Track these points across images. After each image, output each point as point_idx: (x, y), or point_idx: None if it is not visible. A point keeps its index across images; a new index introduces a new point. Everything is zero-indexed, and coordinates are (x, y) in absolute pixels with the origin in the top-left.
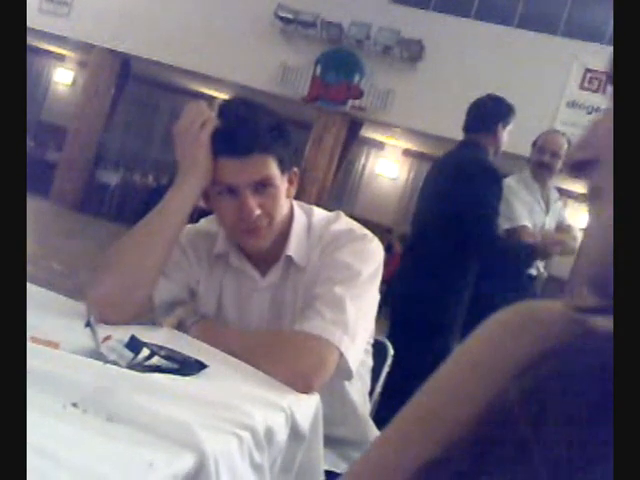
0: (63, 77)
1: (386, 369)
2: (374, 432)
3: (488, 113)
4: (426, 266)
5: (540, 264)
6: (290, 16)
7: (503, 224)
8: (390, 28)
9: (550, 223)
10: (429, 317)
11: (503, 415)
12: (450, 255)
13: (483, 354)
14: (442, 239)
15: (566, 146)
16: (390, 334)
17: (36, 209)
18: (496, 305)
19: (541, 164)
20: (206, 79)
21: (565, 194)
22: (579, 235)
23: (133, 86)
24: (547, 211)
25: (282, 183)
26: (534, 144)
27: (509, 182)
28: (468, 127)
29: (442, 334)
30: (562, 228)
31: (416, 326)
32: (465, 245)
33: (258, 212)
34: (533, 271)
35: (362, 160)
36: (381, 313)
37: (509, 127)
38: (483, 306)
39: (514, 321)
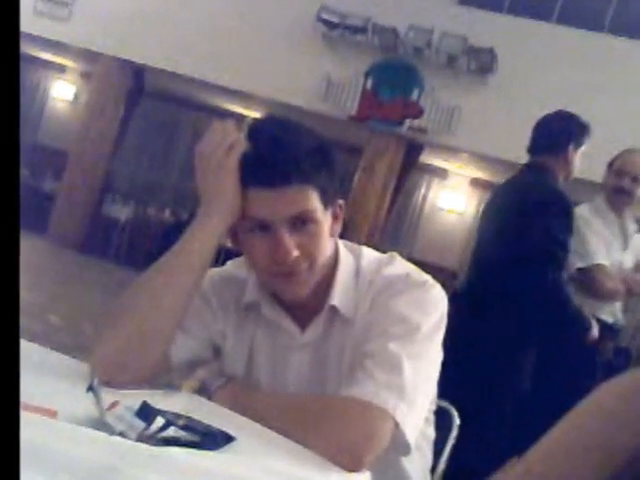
0: (63, 92)
1: (451, 441)
2: None
3: (557, 132)
4: (483, 314)
5: (618, 310)
6: (335, 19)
7: (575, 262)
8: (455, 34)
9: (628, 261)
10: (488, 374)
11: None
12: (512, 302)
13: (592, 429)
14: (503, 282)
15: None
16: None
17: (31, 249)
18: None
19: (619, 190)
20: (234, 94)
21: None
22: None
23: (147, 102)
24: (625, 246)
25: (325, 219)
26: (610, 166)
27: (581, 212)
28: (534, 148)
29: (506, 394)
30: None
31: (474, 385)
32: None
33: (296, 253)
34: (609, 318)
35: (422, 191)
36: None
37: (582, 149)
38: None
39: (629, 390)
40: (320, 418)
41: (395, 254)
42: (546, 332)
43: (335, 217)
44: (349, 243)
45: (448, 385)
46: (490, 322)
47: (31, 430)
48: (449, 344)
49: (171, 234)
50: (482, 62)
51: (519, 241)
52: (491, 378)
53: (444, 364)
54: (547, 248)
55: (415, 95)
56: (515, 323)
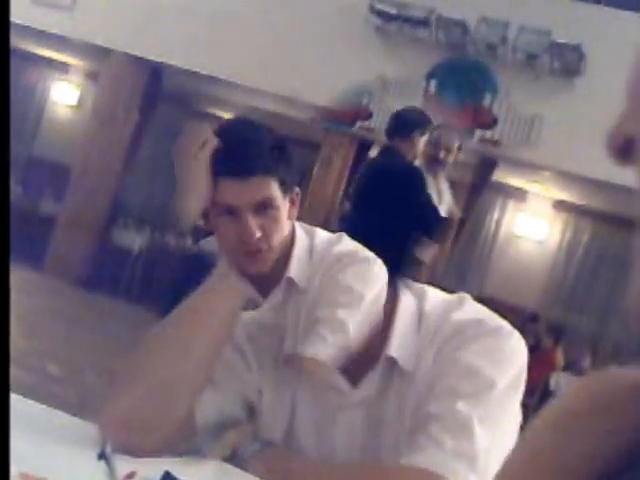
0: (65, 95)
1: None
2: None
3: None
4: None
5: None
6: (393, 11)
7: None
8: (536, 28)
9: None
10: None
11: None
12: None
13: (547, 452)
14: None
15: (457, 142)
16: None
17: (24, 285)
18: None
19: (435, 159)
20: (269, 98)
21: None
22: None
23: (165, 108)
24: (440, 203)
25: (284, 204)
26: None
27: None
28: None
29: None
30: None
31: None
32: None
33: (259, 234)
34: None
35: (495, 215)
36: None
37: None
38: None
39: (581, 407)
40: None
41: (465, 295)
42: None
43: (292, 203)
44: (416, 284)
45: None
46: None
47: None
48: None
49: (193, 266)
50: (567, 61)
51: None
52: None
53: None
54: None
55: (487, 101)
56: None
